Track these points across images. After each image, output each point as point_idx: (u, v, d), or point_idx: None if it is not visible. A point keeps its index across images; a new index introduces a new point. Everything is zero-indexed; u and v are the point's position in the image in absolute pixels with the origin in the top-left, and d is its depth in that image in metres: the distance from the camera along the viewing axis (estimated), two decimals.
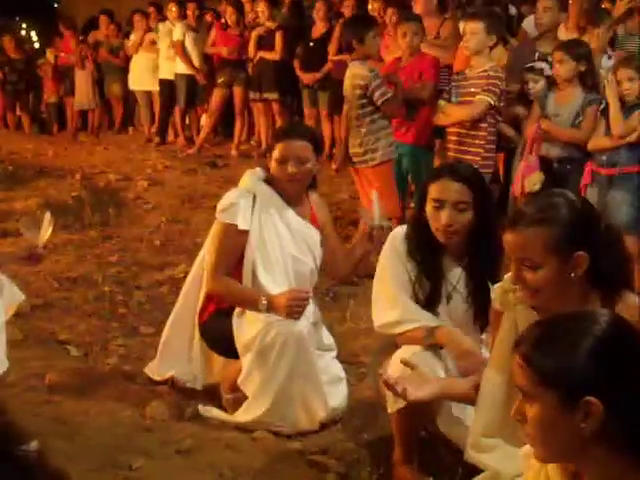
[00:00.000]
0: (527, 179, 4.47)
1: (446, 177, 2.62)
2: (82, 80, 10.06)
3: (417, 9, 6.12)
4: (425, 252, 2.69)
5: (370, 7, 7.45)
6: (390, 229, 3.05)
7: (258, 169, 3.25)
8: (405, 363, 2.38)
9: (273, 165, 3.12)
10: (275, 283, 3.09)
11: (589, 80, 4.43)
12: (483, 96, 4.52)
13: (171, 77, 9.03)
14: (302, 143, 3.11)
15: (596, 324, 1.46)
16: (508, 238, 2.04)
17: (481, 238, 2.66)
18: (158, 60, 9.16)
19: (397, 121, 5.06)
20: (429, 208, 2.63)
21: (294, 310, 2.94)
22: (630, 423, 1.41)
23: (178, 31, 8.71)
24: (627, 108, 4.14)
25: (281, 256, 3.12)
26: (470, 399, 2.28)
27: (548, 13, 5.00)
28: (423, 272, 2.70)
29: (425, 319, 2.65)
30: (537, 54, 4.96)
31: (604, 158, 4.23)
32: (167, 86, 9.11)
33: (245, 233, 3.10)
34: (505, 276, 2.23)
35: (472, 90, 4.57)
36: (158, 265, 5.11)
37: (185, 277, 3.53)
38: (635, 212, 4.10)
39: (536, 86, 4.72)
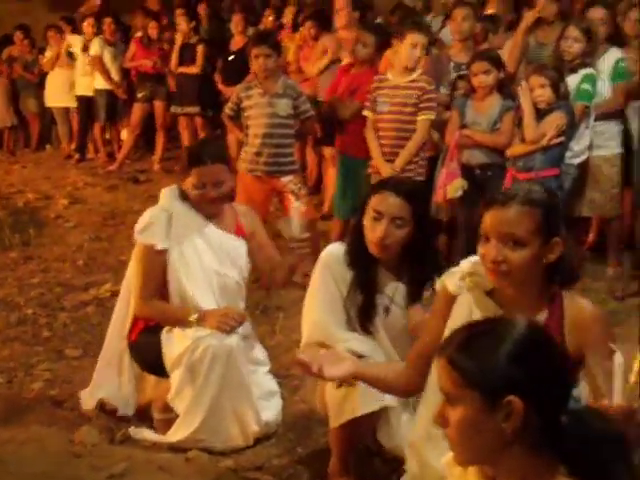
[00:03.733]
0: (449, 186, 4.54)
1: (388, 191, 2.65)
2: None
3: (338, 23, 6.22)
4: (360, 263, 2.71)
5: (285, 20, 7.52)
6: (311, 240, 3.08)
7: (175, 186, 3.23)
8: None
9: (190, 188, 3.11)
10: (202, 299, 3.06)
11: (506, 88, 4.54)
12: (425, 117, 4.58)
13: (89, 93, 8.84)
14: (217, 167, 3.11)
15: (515, 328, 1.51)
16: (494, 215, 2.06)
17: (420, 254, 2.69)
18: (74, 76, 8.97)
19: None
20: (368, 219, 2.65)
21: (226, 323, 2.91)
22: (547, 422, 1.46)
23: (96, 46, 8.56)
24: (540, 114, 4.27)
25: (203, 272, 3.09)
26: (383, 384, 2.27)
27: (465, 23, 5.11)
28: (357, 283, 2.71)
29: (349, 341, 2.66)
30: (452, 64, 5.07)
31: (521, 163, 4.35)
32: (85, 102, 8.91)
33: (164, 252, 3.07)
34: (464, 260, 2.25)
35: (405, 101, 4.58)
36: (82, 285, 4.99)
37: (112, 296, 3.47)
38: None
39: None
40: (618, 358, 1.76)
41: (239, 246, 3.22)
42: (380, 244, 2.62)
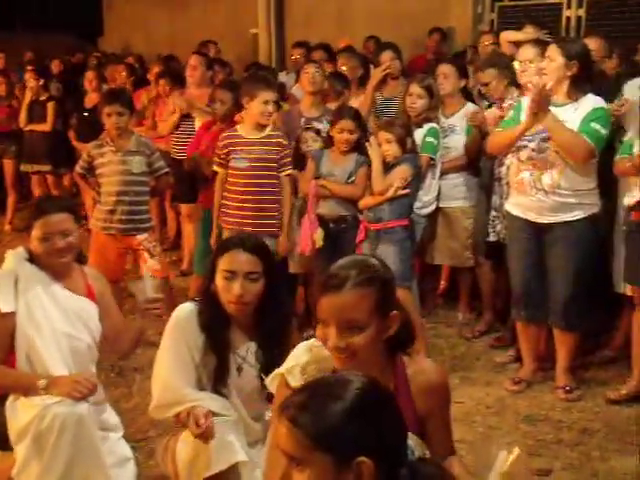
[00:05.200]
0: (315, 235, 4.64)
1: (237, 249, 2.66)
2: None
3: (190, 80, 6.29)
4: (213, 324, 2.70)
5: (149, 75, 7.52)
6: (165, 300, 3.04)
7: (20, 248, 3.12)
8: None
9: (35, 244, 3.01)
10: (52, 364, 2.93)
11: (363, 143, 4.70)
12: (288, 172, 4.67)
13: None
14: (62, 216, 3.04)
15: (354, 386, 1.52)
16: (330, 302, 2.00)
17: (270, 309, 2.70)
18: None
19: None
20: (220, 279, 2.65)
21: (76, 390, 2.80)
22: (389, 476, 1.48)
23: None
24: (388, 167, 4.44)
25: (53, 335, 2.98)
26: None
27: (317, 77, 5.29)
28: (210, 345, 2.70)
29: (202, 400, 2.64)
30: (303, 119, 5.20)
31: (371, 214, 4.49)
32: None
33: (10, 316, 2.93)
34: (298, 351, 2.22)
35: (264, 156, 4.62)
36: None
37: None
38: (402, 265, 4.35)
39: (313, 145, 4.93)
40: (501, 454, 1.86)
41: (90, 308, 3.13)
42: (239, 302, 2.63)
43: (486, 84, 4.91)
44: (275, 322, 2.71)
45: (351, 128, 4.64)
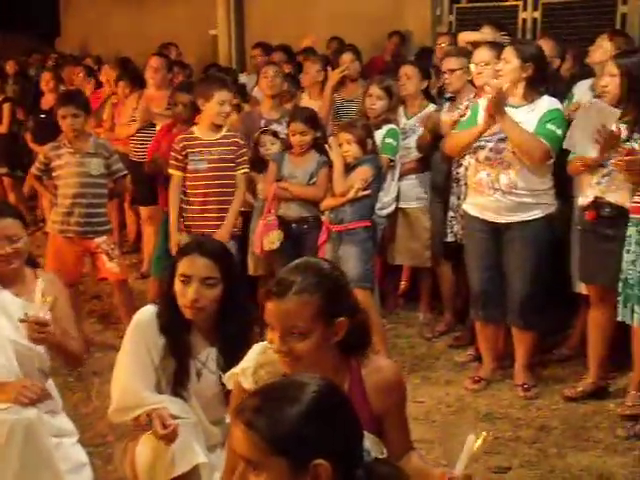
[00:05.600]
0: (266, 238, 4.63)
1: (194, 253, 2.65)
2: None
3: (151, 82, 6.24)
4: (172, 328, 2.67)
5: (103, 78, 7.44)
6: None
7: None
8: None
9: None
10: None
11: (321, 144, 4.70)
12: (243, 171, 4.62)
13: None
14: (8, 221, 2.99)
15: (310, 388, 1.52)
16: (274, 307, 2.01)
17: (230, 314, 2.68)
18: None
19: None
20: (177, 283, 2.64)
21: (24, 395, 2.75)
22: (345, 477, 1.48)
23: None
24: (349, 169, 4.45)
25: None
26: None
27: (276, 79, 5.30)
28: (170, 349, 2.68)
29: (161, 403, 2.62)
30: (263, 121, 5.20)
31: (332, 216, 4.50)
32: None
33: None
34: (253, 351, 2.22)
35: (223, 157, 4.57)
36: None
37: None
38: (363, 266, 4.37)
39: (272, 148, 4.92)
40: (470, 438, 1.91)
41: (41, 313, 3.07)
42: (193, 307, 2.62)
43: (452, 71, 4.83)
44: (235, 327, 2.69)
45: (302, 130, 4.66)
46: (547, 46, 4.76)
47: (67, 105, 4.74)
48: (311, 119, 4.73)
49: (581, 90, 4.50)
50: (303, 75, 6.03)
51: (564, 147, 4.02)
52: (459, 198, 4.63)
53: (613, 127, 3.74)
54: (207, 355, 2.73)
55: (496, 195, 4.11)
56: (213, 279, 2.62)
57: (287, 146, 4.83)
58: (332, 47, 7.60)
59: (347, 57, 5.83)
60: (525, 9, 8.06)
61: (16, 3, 13.85)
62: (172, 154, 4.68)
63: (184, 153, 4.60)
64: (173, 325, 2.67)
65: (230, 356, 2.64)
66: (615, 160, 3.68)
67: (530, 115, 4.07)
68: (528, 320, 4.25)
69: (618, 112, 3.78)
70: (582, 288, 4.30)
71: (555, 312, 4.60)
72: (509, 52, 4.12)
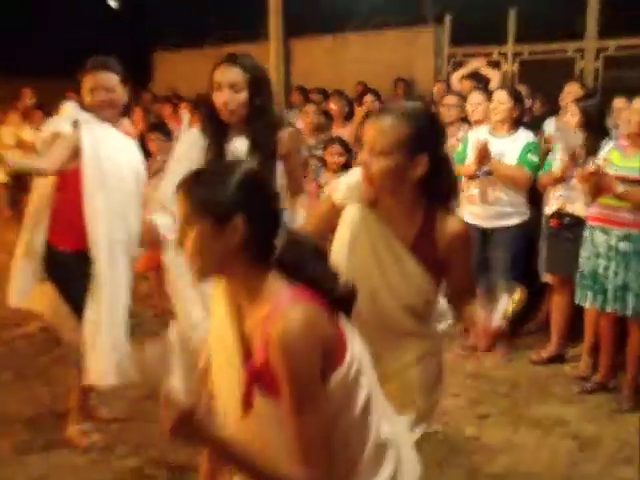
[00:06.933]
0: None
1: (225, 63, 2.48)
2: None
3: None
4: (211, 126, 2.52)
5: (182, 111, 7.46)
6: None
7: (72, 101, 2.96)
8: None
9: (85, 95, 2.82)
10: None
11: (351, 165, 4.62)
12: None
13: None
14: (108, 74, 2.83)
15: (240, 165, 1.47)
16: (370, 125, 1.82)
17: (258, 115, 2.47)
18: None
19: None
20: (214, 91, 2.47)
21: None
22: (261, 237, 1.44)
23: None
24: None
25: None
26: None
27: (314, 115, 5.32)
28: (208, 136, 2.52)
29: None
30: (305, 147, 5.21)
31: None
32: None
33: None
34: (348, 174, 2.01)
35: None
36: None
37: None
38: None
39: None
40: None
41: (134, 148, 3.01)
42: (226, 109, 2.45)
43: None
44: (262, 124, 2.47)
45: (339, 152, 4.65)
46: (523, 90, 4.77)
47: (155, 131, 4.84)
48: (345, 145, 4.73)
49: (549, 126, 4.48)
50: (330, 109, 5.97)
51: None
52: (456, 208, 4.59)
53: (577, 149, 3.72)
54: (240, 143, 2.51)
55: (485, 206, 4.10)
56: (239, 85, 2.43)
57: (323, 165, 4.85)
58: (358, 89, 7.63)
59: (369, 98, 5.83)
60: (507, 60, 7.95)
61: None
62: None
63: None
64: (212, 124, 2.51)
65: (262, 150, 2.48)
66: (578, 176, 3.62)
67: (513, 145, 4.06)
68: None
69: (581, 136, 3.73)
70: (547, 278, 4.27)
71: (527, 296, 4.55)
72: (503, 95, 4.09)
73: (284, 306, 1.36)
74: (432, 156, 1.79)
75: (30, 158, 2.76)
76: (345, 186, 1.95)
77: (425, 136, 1.79)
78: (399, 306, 1.94)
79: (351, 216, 1.93)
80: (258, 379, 1.38)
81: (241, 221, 1.39)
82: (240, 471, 1.42)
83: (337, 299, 1.44)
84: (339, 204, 1.96)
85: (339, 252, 1.94)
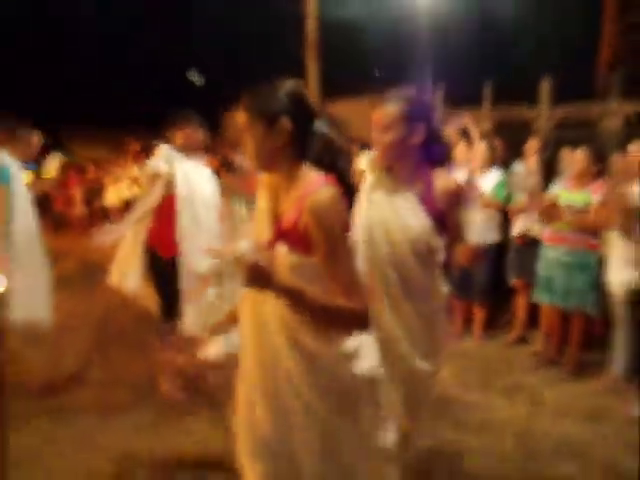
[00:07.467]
0: None
1: None
2: None
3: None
4: None
5: None
6: None
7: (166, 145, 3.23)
8: None
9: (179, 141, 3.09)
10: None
11: None
12: None
13: None
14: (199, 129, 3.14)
15: (288, 83, 1.58)
16: (376, 112, 1.97)
17: None
18: None
19: None
20: None
21: None
22: (302, 135, 1.55)
23: None
24: None
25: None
26: None
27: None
28: None
29: None
30: None
31: None
32: None
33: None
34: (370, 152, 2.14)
35: None
36: None
37: None
38: None
39: None
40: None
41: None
42: None
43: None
44: None
45: None
46: (498, 142, 4.91)
47: (224, 167, 4.83)
48: None
49: (516, 167, 4.76)
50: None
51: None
52: None
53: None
54: None
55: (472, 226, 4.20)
56: None
57: None
58: None
59: None
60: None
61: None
62: None
63: None
64: None
65: None
66: (536, 207, 3.98)
67: (489, 180, 4.36)
68: (484, 298, 4.50)
69: (538, 178, 4.12)
70: (514, 282, 4.49)
71: (499, 295, 4.69)
72: (482, 146, 4.37)
73: (317, 186, 1.48)
74: (427, 125, 1.96)
75: (141, 205, 3.16)
76: (367, 159, 2.16)
77: (418, 110, 1.96)
78: (407, 239, 2.02)
79: (370, 183, 2.11)
80: (284, 236, 1.51)
81: (286, 121, 1.48)
82: (306, 308, 1.46)
83: (350, 192, 1.55)
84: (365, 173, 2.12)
85: (361, 203, 2.09)
